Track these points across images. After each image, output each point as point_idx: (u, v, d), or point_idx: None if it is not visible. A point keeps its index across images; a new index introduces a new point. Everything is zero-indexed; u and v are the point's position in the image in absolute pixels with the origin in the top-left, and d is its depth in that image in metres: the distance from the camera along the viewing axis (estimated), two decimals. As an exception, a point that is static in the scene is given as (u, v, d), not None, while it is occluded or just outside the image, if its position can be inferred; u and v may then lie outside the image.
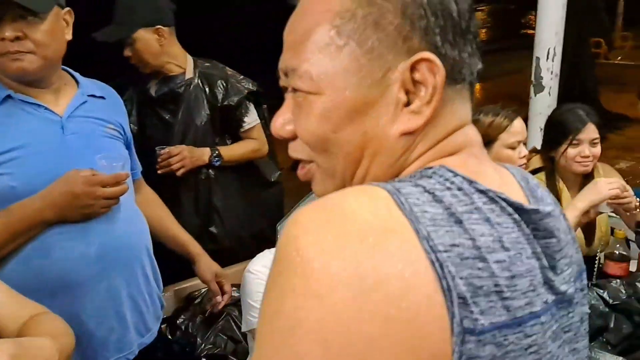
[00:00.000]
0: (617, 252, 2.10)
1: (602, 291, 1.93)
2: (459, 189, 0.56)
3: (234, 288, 2.05)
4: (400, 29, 0.59)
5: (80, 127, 1.51)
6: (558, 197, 2.19)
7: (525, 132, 2.08)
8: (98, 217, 1.46)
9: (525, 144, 2.08)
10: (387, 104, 0.60)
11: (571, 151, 2.16)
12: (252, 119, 2.32)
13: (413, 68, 0.59)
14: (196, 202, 2.28)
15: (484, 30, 17.44)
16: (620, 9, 13.66)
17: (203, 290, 2.08)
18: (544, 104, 2.89)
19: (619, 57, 11.91)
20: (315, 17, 0.61)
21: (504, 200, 0.58)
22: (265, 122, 2.40)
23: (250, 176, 2.41)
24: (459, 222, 0.54)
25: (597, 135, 2.18)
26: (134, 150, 1.77)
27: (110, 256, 1.49)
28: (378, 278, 0.49)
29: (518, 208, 0.59)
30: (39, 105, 1.47)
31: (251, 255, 2.23)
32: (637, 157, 6.38)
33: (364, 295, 0.49)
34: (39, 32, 1.39)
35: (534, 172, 2.26)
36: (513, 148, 2.01)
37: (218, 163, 2.24)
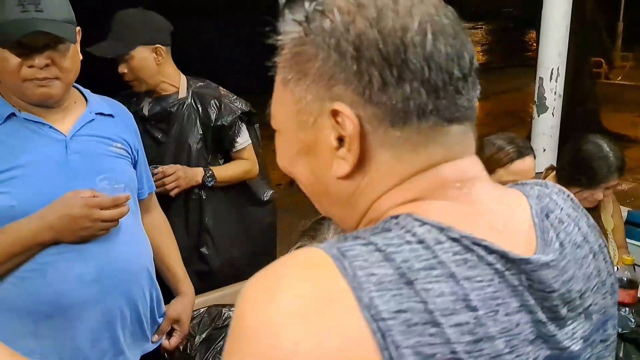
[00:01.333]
0: (625, 279, 2.04)
1: (610, 320, 1.86)
2: (420, 241, 0.53)
3: (232, 309, 1.97)
4: (322, 76, 0.59)
5: (85, 146, 1.48)
6: None
7: (530, 174, 1.98)
8: (96, 239, 1.43)
9: None
10: (323, 147, 0.61)
11: (585, 192, 2.16)
12: (244, 139, 2.27)
13: (334, 115, 0.58)
14: (187, 222, 2.22)
15: (483, 49, 17.60)
16: (620, 29, 13.81)
17: (202, 309, 2.01)
18: (547, 124, 2.85)
19: (619, 77, 11.97)
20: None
21: (485, 248, 0.54)
22: (258, 142, 2.36)
23: (241, 195, 2.35)
24: (410, 283, 0.51)
25: (616, 182, 2.17)
26: (144, 168, 1.72)
27: (108, 279, 1.45)
28: (318, 355, 0.48)
29: (503, 256, 0.54)
30: (44, 124, 1.45)
31: (242, 275, 2.17)
32: (638, 179, 6.30)
33: None
34: (65, 59, 1.40)
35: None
36: None
37: (211, 183, 2.18)
